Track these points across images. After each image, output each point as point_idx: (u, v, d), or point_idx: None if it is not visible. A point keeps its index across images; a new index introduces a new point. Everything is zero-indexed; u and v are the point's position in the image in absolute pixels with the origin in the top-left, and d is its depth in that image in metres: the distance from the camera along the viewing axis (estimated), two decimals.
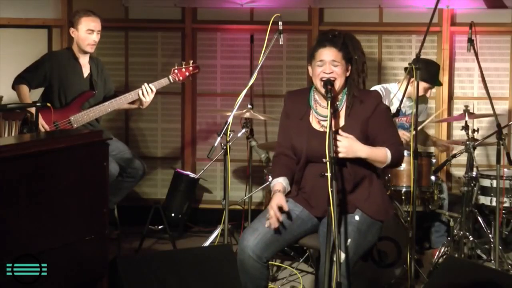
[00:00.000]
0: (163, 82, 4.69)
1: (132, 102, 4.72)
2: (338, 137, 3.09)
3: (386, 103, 4.37)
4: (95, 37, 4.67)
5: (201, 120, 5.89)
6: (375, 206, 3.23)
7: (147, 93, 4.61)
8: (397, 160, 3.24)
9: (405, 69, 5.00)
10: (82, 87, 4.70)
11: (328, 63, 3.19)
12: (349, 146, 3.10)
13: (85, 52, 4.71)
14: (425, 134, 5.24)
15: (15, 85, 4.60)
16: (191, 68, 4.75)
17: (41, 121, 4.45)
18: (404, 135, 4.54)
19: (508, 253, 4.83)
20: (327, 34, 3.27)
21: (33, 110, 4.28)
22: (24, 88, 4.57)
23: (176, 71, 4.71)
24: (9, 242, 2.92)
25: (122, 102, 4.66)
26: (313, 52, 3.26)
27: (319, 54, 3.22)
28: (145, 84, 4.63)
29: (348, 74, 3.26)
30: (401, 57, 5.66)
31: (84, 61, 4.74)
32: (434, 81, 4.83)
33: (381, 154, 3.17)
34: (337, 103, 3.28)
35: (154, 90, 4.64)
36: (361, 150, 3.13)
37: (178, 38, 5.86)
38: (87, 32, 4.64)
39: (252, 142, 4.77)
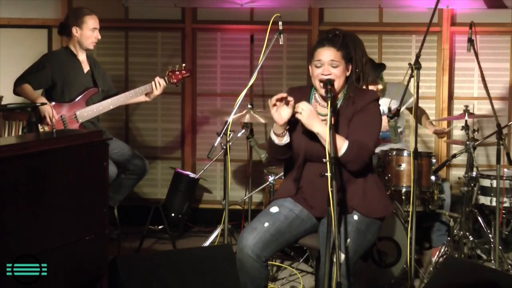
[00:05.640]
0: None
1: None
2: (303, 103, 3.08)
3: None
4: (98, 34, 4.76)
5: (201, 120, 5.89)
6: (371, 205, 3.21)
7: (159, 85, 4.76)
8: (351, 158, 3.09)
9: (381, 65, 4.96)
10: (85, 83, 4.76)
11: (327, 64, 3.17)
12: (309, 113, 3.07)
13: (84, 50, 4.78)
14: (421, 110, 5.19)
15: (17, 87, 4.61)
16: (183, 71, 4.85)
17: (51, 113, 4.51)
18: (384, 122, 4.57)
19: (508, 253, 4.83)
20: (327, 34, 3.25)
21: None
22: (28, 86, 4.59)
23: (170, 73, 4.83)
24: (9, 242, 2.92)
25: (131, 96, 4.78)
26: (312, 51, 3.24)
27: (317, 53, 3.20)
28: (157, 77, 4.77)
29: (348, 73, 3.25)
30: (401, 57, 5.66)
31: (83, 58, 4.81)
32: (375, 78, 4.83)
33: (337, 142, 3.08)
34: (336, 102, 3.26)
35: (165, 84, 4.79)
36: (318, 124, 3.07)
37: (178, 38, 5.86)
38: (92, 30, 4.72)
39: (252, 142, 4.77)
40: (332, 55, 3.18)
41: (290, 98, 3.09)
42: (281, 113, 3.11)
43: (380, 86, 4.88)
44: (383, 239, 4.21)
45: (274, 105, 3.10)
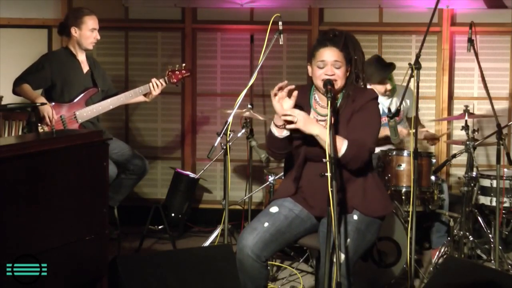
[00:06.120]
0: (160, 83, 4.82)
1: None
2: (295, 110, 3.04)
3: None
4: (97, 35, 4.76)
5: (201, 120, 5.89)
6: (372, 204, 3.20)
7: (157, 86, 4.75)
8: (351, 157, 3.07)
9: (390, 65, 4.95)
10: (85, 83, 4.76)
11: (330, 64, 3.16)
12: (305, 118, 3.03)
13: (84, 50, 4.78)
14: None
15: (16, 87, 4.61)
16: (183, 71, 4.84)
17: (51, 113, 4.52)
18: (401, 132, 4.56)
19: (508, 253, 4.83)
20: (328, 34, 3.23)
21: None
22: (28, 86, 4.59)
23: (170, 73, 4.82)
24: (9, 242, 2.92)
25: (131, 96, 4.78)
26: (313, 51, 3.22)
27: (320, 53, 3.18)
28: (154, 79, 4.76)
29: (347, 74, 3.24)
30: (401, 57, 5.66)
31: (82, 58, 4.81)
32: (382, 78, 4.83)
33: (336, 142, 3.05)
34: (336, 101, 3.26)
35: (164, 85, 4.78)
36: (316, 126, 3.05)
37: (178, 38, 5.86)
38: (91, 31, 4.72)
39: (252, 142, 4.77)
40: (335, 56, 3.16)
41: (292, 87, 3.08)
42: (283, 104, 3.10)
43: (388, 86, 4.87)
44: (383, 239, 4.21)
45: (276, 94, 3.09)
